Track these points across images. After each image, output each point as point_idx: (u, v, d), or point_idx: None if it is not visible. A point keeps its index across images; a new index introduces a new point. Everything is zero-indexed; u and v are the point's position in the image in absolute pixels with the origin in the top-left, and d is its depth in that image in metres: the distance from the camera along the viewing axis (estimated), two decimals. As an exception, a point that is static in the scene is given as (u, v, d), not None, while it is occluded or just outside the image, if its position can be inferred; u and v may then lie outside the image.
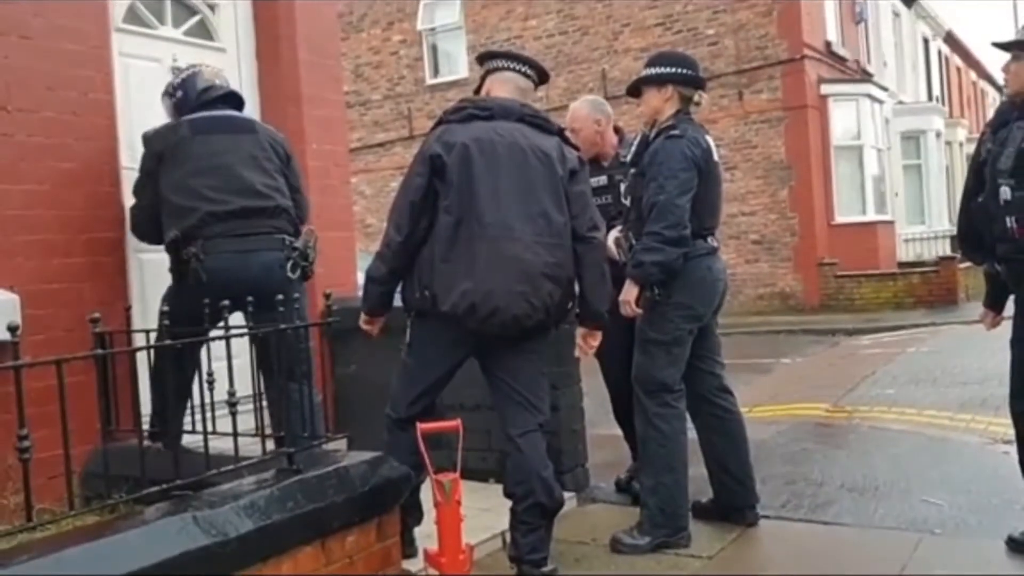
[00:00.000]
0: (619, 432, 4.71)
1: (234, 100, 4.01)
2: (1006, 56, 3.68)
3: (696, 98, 3.98)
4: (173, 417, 3.59)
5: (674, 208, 3.67)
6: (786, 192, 16.09)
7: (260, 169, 3.83)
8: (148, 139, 3.88)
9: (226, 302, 3.12)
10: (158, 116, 4.54)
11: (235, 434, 3.23)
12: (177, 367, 3.53)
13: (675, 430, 3.84)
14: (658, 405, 3.83)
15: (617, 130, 4.65)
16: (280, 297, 3.24)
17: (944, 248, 19.18)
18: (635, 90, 4.04)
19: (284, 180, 3.93)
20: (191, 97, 3.92)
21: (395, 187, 3.80)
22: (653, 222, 3.68)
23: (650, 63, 4.00)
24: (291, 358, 3.51)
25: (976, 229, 3.73)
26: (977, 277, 15.87)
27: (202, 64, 4.12)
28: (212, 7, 4.93)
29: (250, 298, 3.25)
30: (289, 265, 3.78)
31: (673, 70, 3.92)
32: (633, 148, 4.02)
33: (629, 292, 3.77)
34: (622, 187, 4.32)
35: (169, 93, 4.01)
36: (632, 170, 3.96)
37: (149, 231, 3.91)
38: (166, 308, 3.15)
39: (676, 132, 3.79)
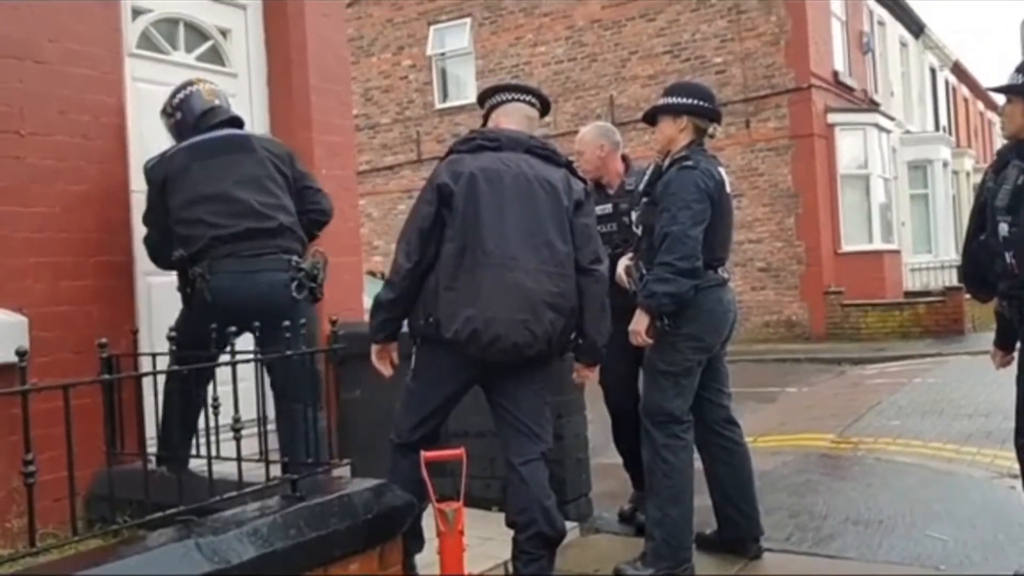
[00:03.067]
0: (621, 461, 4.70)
1: (233, 120, 4.01)
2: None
3: (711, 130, 3.99)
4: (179, 441, 3.59)
5: (686, 239, 3.67)
6: (792, 220, 16.11)
7: (260, 188, 3.82)
8: (148, 171, 3.89)
9: (232, 328, 3.13)
10: (169, 140, 4.60)
11: (239, 459, 3.24)
12: (183, 391, 3.54)
13: (682, 462, 3.83)
14: (666, 436, 3.82)
15: (624, 159, 4.68)
16: (287, 323, 3.25)
17: (951, 278, 19.14)
18: (650, 118, 4.05)
19: (288, 196, 3.90)
20: (189, 120, 3.93)
21: (403, 210, 3.85)
22: (665, 253, 3.67)
23: (667, 92, 4.01)
24: (298, 383, 3.52)
25: (979, 267, 3.75)
26: (984, 308, 15.81)
27: (199, 81, 4.11)
28: (224, 33, 4.98)
29: (256, 323, 3.25)
30: (295, 285, 3.78)
31: (690, 101, 3.93)
32: (646, 177, 4.02)
33: (639, 322, 3.77)
34: (628, 216, 4.33)
35: (168, 113, 4.03)
36: (644, 199, 3.96)
37: (162, 258, 3.95)
38: (174, 333, 3.16)
39: (690, 163, 3.79)
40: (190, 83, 4.05)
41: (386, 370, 3.50)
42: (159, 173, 3.84)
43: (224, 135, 3.91)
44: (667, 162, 3.91)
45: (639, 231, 3.99)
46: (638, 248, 3.97)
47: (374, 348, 3.48)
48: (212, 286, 3.70)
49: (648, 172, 4.05)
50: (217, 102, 4.00)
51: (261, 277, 3.73)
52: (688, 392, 3.87)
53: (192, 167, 3.78)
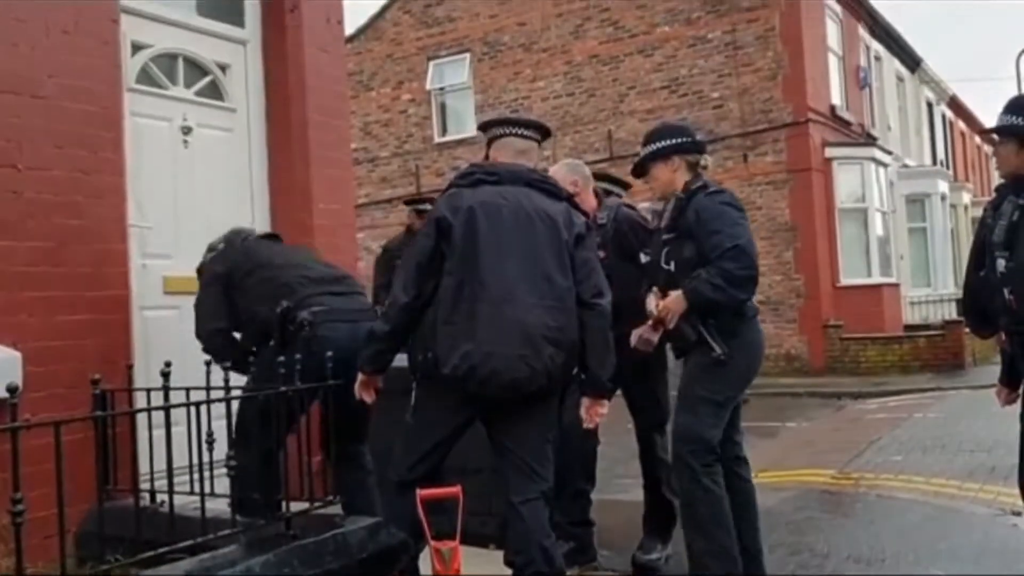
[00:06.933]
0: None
1: None
2: None
3: (702, 162, 3.97)
4: (263, 481, 3.51)
5: (750, 248, 3.64)
6: (791, 254, 16.11)
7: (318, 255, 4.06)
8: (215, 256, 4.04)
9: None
10: (167, 174, 4.62)
11: (233, 496, 3.21)
12: (263, 426, 3.48)
13: (722, 489, 3.75)
14: (703, 465, 3.72)
15: (596, 194, 4.67)
16: None
17: (950, 311, 19.11)
18: (640, 169, 4.03)
19: None
20: None
21: (401, 244, 3.84)
22: (728, 260, 3.59)
23: (648, 140, 3.99)
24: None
25: (980, 303, 3.74)
26: (985, 342, 15.70)
27: None
28: (223, 68, 5.00)
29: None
30: None
31: (673, 141, 3.92)
32: (668, 212, 3.91)
33: (676, 304, 3.67)
34: (601, 249, 4.31)
35: None
36: (670, 235, 3.85)
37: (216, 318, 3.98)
38: (168, 369, 3.14)
39: (714, 188, 3.81)
40: None
41: (368, 398, 3.48)
42: (226, 263, 3.98)
43: None
44: (683, 194, 3.83)
45: (671, 267, 3.85)
46: (669, 285, 3.83)
47: (360, 378, 3.46)
48: (319, 334, 3.68)
49: (670, 207, 3.92)
50: None
51: (362, 327, 3.71)
52: (722, 424, 3.80)
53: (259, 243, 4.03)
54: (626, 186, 4.96)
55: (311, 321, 3.67)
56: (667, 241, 3.88)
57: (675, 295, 3.71)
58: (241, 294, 3.84)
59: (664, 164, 3.91)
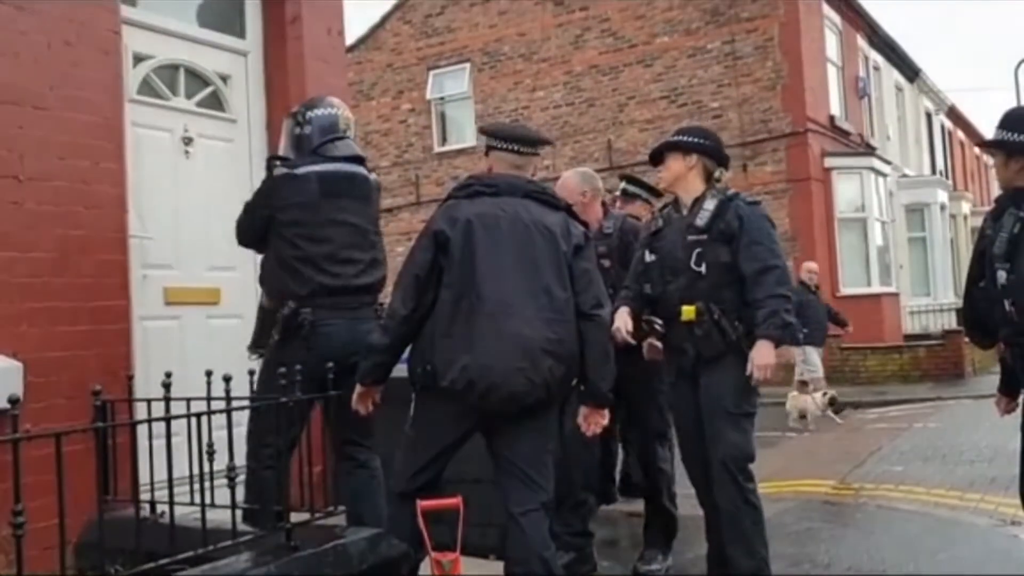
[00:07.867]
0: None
1: (355, 157, 3.99)
2: None
3: (717, 174, 3.94)
4: (268, 488, 3.52)
5: (788, 271, 3.76)
6: (790, 263, 16.08)
7: (364, 244, 3.90)
8: (275, 184, 3.81)
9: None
10: (167, 185, 4.61)
11: (232, 507, 3.20)
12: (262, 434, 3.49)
13: (760, 503, 3.79)
14: (747, 480, 3.73)
15: (604, 204, 4.68)
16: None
17: (950, 321, 19.12)
18: (657, 156, 4.03)
19: (380, 243, 4.04)
20: (314, 139, 3.89)
21: (401, 252, 3.87)
22: (776, 285, 3.67)
23: (677, 132, 4.04)
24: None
25: (980, 313, 3.75)
26: (985, 351, 15.67)
27: (340, 107, 4.05)
28: (224, 79, 5.01)
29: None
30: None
31: (699, 140, 3.96)
32: (709, 212, 3.80)
33: (770, 355, 3.62)
34: (607, 259, 4.31)
35: (298, 122, 3.95)
36: (701, 236, 3.78)
37: (253, 242, 3.99)
38: (169, 380, 3.14)
39: (754, 199, 3.92)
40: (333, 105, 4.01)
41: (363, 409, 3.48)
42: (284, 193, 3.78)
43: (352, 175, 3.91)
44: (724, 196, 3.82)
45: (701, 270, 3.76)
46: (691, 286, 3.78)
47: (358, 389, 3.45)
48: (318, 331, 3.70)
49: (713, 206, 3.81)
50: (350, 133, 4.01)
51: (361, 325, 3.74)
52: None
53: (322, 203, 3.76)
54: (657, 194, 4.95)
55: (312, 320, 3.69)
56: (699, 242, 3.79)
57: (762, 351, 3.61)
58: (272, 238, 3.81)
59: (681, 157, 3.93)
